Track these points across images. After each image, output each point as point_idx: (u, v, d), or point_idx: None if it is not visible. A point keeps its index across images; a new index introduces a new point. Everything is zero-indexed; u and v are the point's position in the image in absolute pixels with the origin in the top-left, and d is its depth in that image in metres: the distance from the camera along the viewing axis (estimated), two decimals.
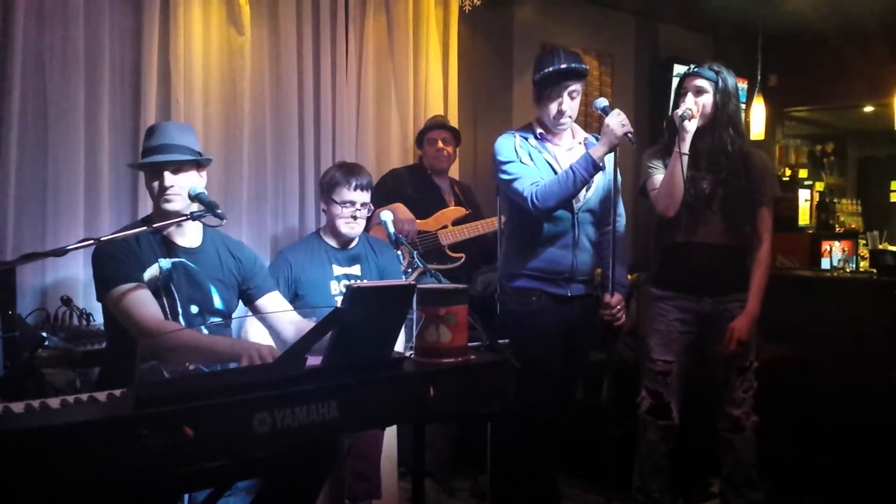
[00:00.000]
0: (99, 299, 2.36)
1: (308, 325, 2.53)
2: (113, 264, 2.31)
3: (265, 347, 2.06)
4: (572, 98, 2.92)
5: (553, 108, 2.92)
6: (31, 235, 3.02)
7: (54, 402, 1.61)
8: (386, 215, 3.03)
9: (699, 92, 2.96)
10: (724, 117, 2.99)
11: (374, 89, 4.10)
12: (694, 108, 2.91)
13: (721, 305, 3.02)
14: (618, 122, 2.77)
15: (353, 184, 3.03)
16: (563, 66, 2.86)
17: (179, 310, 2.42)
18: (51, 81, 3.05)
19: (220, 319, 2.51)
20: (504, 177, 2.95)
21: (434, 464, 3.43)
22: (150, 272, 2.38)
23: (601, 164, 2.82)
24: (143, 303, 2.28)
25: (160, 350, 2.18)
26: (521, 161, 2.93)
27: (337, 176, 3.07)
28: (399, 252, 3.17)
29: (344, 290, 2.60)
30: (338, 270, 3.12)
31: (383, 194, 3.64)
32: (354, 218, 3.06)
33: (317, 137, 3.89)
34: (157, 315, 2.28)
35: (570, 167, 2.83)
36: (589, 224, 3.02)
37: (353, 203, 3.04)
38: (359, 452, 2.87)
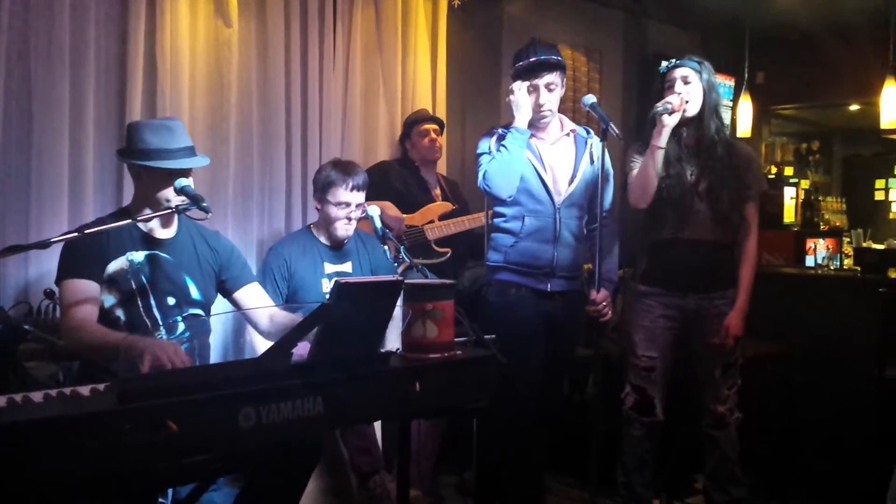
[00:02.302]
0: (55, 284, 2.38)
1: (285, 316, 2.53)
2: (72, 257, 2.32)
3: (170, 346, 2.01)
4: (550, 90, 2.93)
5: (532, 101, 2.93)
6: (15, 228, 2.98)
7: (37, 396, 1.61)
8: (373, 210, 3.01)
9: (686, 80, 2.97)
10: (710, 108, 3.01)
11: (362, 83, 4.09)
12: (675, 101, 2.91)
13: (706, 302, 3.04)
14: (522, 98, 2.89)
15: (350, 184, 2.99)
16: (533, 59, 2.90)
17: (153, 302, 2.40)
18: (35, 73, 3.02)
19: (198, 311, 2.50)
20: (478, 168, 3.00)
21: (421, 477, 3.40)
22: (117, 265, 2.36)
23: (524, 129, 2.91)
24: (81, 301, 2.28)
25: (80, 349, 2.21)
26: (491, 153, 2.97)
27: (333, 175, 3.02)
28: (385, 246, 3.16)
29: (330, 292, 2.60)
30: (329, 268, 3.10)
31: (371, 187, 3.62)
32: (349, 219, 3.03)
33: (304, 131, 3.86)
34: (84, 314, 2.27)
35: (502, 143, 2.91)
36: (572, 219, 3.02)
37: (348, 204, 3.01)
38: (355, 429, 2.89)
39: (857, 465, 3.61)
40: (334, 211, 3.02)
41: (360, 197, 3.03)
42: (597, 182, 3.01)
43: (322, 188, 3.04)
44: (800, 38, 5.99)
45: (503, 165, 2.88)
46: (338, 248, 3.13)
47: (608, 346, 3.65)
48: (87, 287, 2.30)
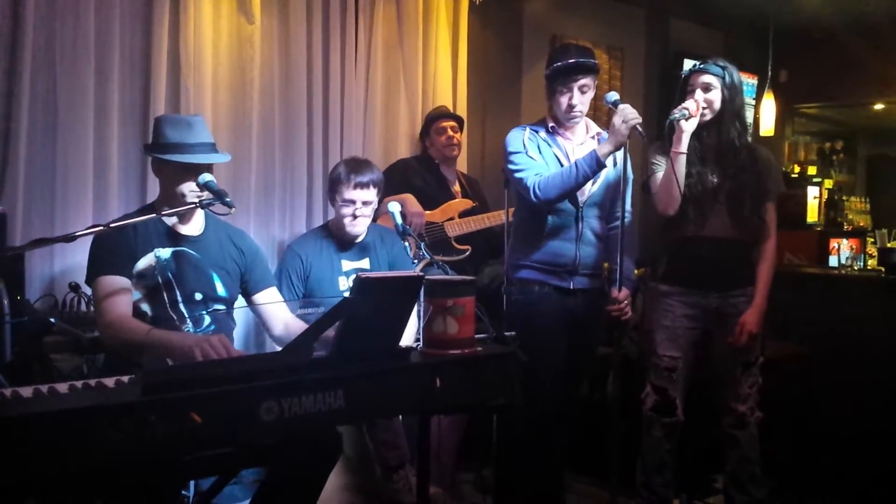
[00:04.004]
0: (87, 283, 2.41)
1: (300, 327, 2.55)
2: (103, 254, 2.34)
3: (215, 338, 2.04)
4: (583, 92, 2.94)
5: (563, 101, 2.94)
6: (41, 222, 3.02)
7: (62, 387, 1.62)
8: (393, 206, 3.02)
9: (707, 88, 2.96)
10: (731, 112, 2.99)
11: (383, 80, 4.10)
12: (692, 107, 2.90)
13: (727, 301, 3.02)
14: (621, 119, 2.76)
15: (353, 181, 2.98)
16: (573, 60, 2.89)
17: (179, 298, 2.43)
18: (61, 69, 3.05)
19: (223, 307, 2.52)
20: (510, 167, 2.98)
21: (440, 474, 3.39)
22: (146, 261, 2.39)
23: (605, 163, 2.82)
24: (115, 298, 2.30)
25: (119, 346, 2.21)
26: (527, 153, 2.95)
27: (341, 172, 3.04)
28: (406, 243, 3.17)
29: (351, 287, 2.61)
30: (347, 265, 3.11)
31: (391, 184, 3.63)
32: (355, 217, 3.03)
33: (325, 128, 3.88)
34: (123, 311, 2.29)
35: (575, 162, 2.85)
36: (594, 218, 3.03)
37: (353, 202, 3.01)
38: (382, 423, 2.90)
39: (879, 468, 3.57)
40: (341, 209, 3.04)
41: (365, 195, 3.01)
42: (618, 184, 3.02)
43: (332, 185, 3.07)
44: (824, 36, 5.94)
45: (566, 182, 2.83)
46: (355, 245, 3.14)
47: (628, 345, 3.64)
48: (120, 282, 2.32)
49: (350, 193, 3.00)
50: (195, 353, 1.96)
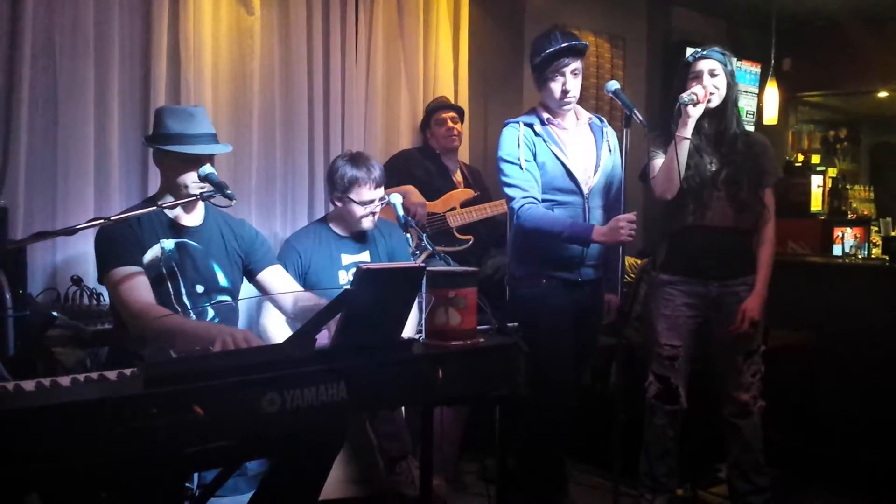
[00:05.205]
0: (99, 281, 2.39)
1: (309, 299, 2.54)
2: (111, 247, 2.32)
3: (240, 332, 2.04)
4: (575, 76, 2.91)
5: (556, 88, 2.91)
6: (42, 215, 3.02)
7: (65, 381, 1.62)
8: (395, 197, 3.01)
9: (713, 74, 2.95)
10: (732, 100, 3.00)
11: (384, 71, 4.08)
12: (700, 93, 2.89)
13: (727, 289, 3.01)
14: (627, 230, 2.76)
15: (372, 184, 2.96)
16: (562, 44, 2.86)
17: (183, 290, 2.42)
18: (61, 61, 3.05)
19: (226, 297, 2.52)
20: (501, 177, 2.97)
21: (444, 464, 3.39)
22: (152, 253, 2.38)
23: (590, 244, 2.89)
24: (135, 287, 2.28)
25: (146, 335, 2.20)
26: (520, 164, 2.91)
27: (355, 173, 2.96)
28: (407, 234, 3.16)
29: (352, 278, 2.60)
30: (346, 259, 3.10)
31: (393, 175, 3.62)
32: (373, 214, 3.03)
33: (326, 119, 3.87)
34: (146, 300, 2.28)
35: (571, 224, 2.87)
36: (598, 208, 3.02)
37: (372, 201, 2.99)
38: (384, 415, 2.90)
39: (883, 456, 3.57)
40: (359, 210, 2.99)
41: (381, 191, 3.01)
42: (614, 171, 3.02)
43: (344, 188, 2.99)
44: (827, 24, 5.91)
45: (551, 231, 2.87)
46: (355, 239, 3.13)
47: (631, 334, 3.63)
48: (135, 271, 2.31)
49: (369, 194, 2.97)
50: (217, 346, 1.96)
